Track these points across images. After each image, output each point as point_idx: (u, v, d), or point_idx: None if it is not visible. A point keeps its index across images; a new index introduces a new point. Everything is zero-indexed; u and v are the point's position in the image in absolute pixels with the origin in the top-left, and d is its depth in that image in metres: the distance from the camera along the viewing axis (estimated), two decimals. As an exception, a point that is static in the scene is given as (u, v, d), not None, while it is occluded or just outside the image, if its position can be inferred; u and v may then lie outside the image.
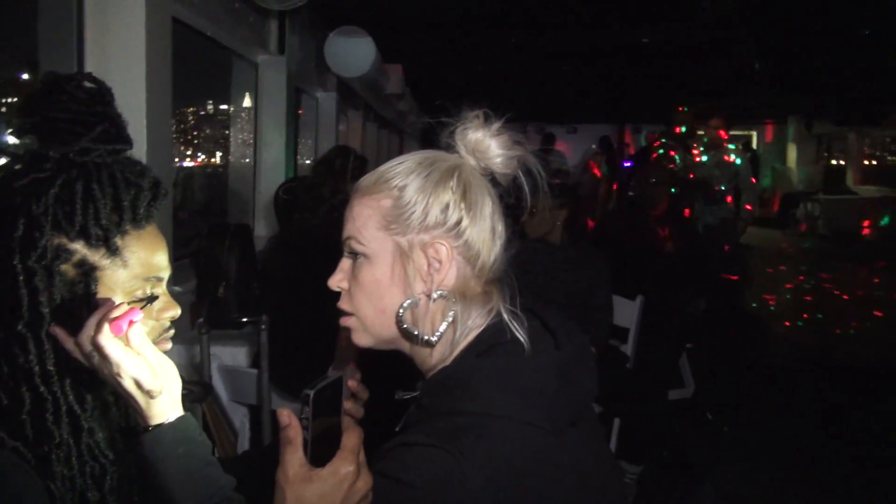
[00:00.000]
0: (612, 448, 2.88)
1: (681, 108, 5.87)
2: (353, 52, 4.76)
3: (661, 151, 5.41)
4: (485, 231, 0.93)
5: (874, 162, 13.72)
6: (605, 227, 3.92)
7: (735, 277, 5.28)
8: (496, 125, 0.95)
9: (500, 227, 0.96)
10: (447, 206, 0.91)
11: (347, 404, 1.04)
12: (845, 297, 7.22)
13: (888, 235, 10.07)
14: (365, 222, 0.94)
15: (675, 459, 3.12)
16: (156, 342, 0.88)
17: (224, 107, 4.33)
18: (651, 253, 3.48)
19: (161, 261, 0.92)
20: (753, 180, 5.79)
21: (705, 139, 5.45)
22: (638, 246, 3.47)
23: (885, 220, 10.28)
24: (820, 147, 14.49)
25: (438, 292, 0.92)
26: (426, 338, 0.93)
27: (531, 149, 0.98)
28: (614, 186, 8.90)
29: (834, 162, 14.37)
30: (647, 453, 2.98)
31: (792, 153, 14.69)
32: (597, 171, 9.20)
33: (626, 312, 3.03)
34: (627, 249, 3.42)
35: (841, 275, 8.36)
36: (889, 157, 13.51)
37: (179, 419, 0.81)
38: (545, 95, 10.09)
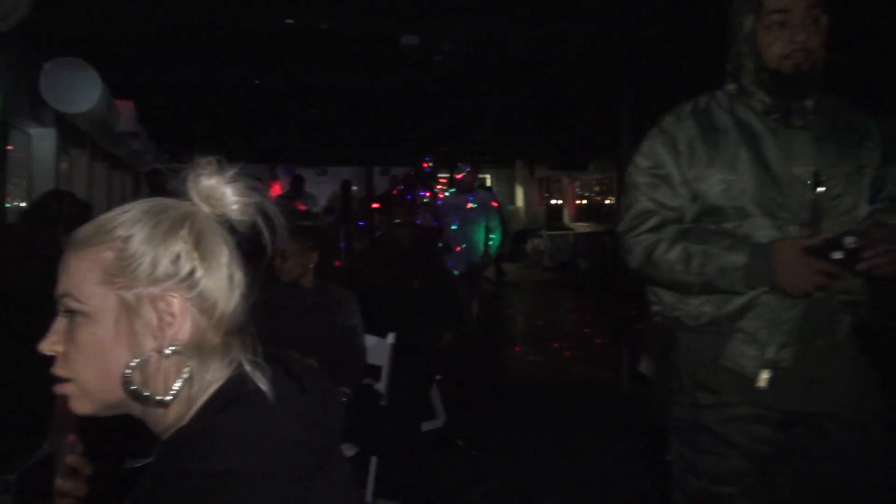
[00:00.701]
0: (371, 486, 2.91)
1: (438, 153, 6.29)
2: (76, 86, 4.32)
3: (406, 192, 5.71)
4: (221, 280, 0.90)
5: (584, 201, 15.96)
6: (353, 267, 4.00)
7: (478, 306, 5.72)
8: (231, 171, 0.93)
9: (238, 276, 0.93)
10: (178, 257, 0.87)
11: (65, 483, 0.92)
12: (570, 320, 8.21)
13: (598, 266, 11.71)
14: (83, 277, 0.86)
15: (430, 490, 3.25)
16: None
17: None
18: (399, 291, 3.63)
19: None
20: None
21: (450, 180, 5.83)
22: (386, 284, 3.60)
23: None
24: (541, 188, 16.48)
25: (171, 348, 0.87)
26: (159, 398, 0.87)
27: (267, 194, 0.98)
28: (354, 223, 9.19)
29: (553, 202, 16.43)
30: (404, 488, 3.06)
31: (519, 194, 16.48)
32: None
33: (379, 350, 3.11)
34: (377, 288, 3.53)
35: (564, 301, 9.51)
36: (595, 198, 15.80)
37: None
38: (294, 137, 10.08)
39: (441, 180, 9.21)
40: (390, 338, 3.12)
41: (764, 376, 1.59)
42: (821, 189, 1.60)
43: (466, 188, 5.75)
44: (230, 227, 0.94)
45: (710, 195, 1.64)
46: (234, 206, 0.92)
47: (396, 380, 3.16)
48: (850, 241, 1.44)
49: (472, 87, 6.19)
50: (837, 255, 1.45)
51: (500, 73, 5.59)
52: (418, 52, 4.51)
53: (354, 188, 10.89)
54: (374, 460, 2.93)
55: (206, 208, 0.91)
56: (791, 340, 1.59)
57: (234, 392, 0.89)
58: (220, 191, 0.91)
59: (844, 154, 1.65)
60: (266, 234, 0.94)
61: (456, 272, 5.58)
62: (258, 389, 0.89)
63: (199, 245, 0.89)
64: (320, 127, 9.05)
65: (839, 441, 1.61)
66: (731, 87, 1.70)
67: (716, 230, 1.65)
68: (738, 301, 1.62)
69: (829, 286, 1.53)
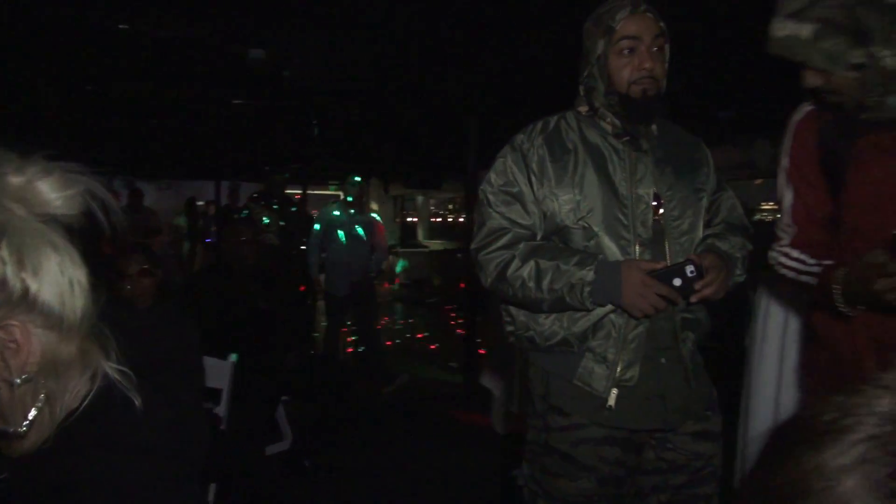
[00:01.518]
0: (209, 515, 2.79)
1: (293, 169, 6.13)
2: None
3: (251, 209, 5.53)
4: (61, 287, 0.80)
5: (438, 220, 16.35)
6: (193, 286, 3.83)
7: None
8: (39, 164, 0.82)
9: (78, 276, 0.83)
10: (4, 281, 0.77)
11: None
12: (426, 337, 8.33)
13: (452, 283, 12.00)
14: None
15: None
16: None
17: None
18: (242, 310, 3.51)
19: None
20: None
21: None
22: (228, 304, 3.47)
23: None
24: (396, 206, 16.65)
25: (22, 377, 0.79)
26: (12, 430, 0.80)
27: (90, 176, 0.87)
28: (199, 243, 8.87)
29: (409, 220, 16.66)
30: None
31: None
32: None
33: (219, 372, 2.99)
34: (217, 308, 3.40)
35: (417, 317, 9.66)
36: (449, 217, 16.24)
37: None
38: (133, 149, 9.46)
39: (296, 195, 9.05)
40: (231, 359, 3.02)
41: (613, 394, 1.64)
42: (662, 211, 1.68)
43: (357, 203, 5.52)
44: (56, 223, 0.82)
45: (559, 214, 1.67)
46: (58, 202, 0.81)
47: (239, 402, 3.05)
48: (689, 270, 1.56)
49: (322, 103, 6.16)
50: (677, 281, 1.55)
51: (350, 90, 5.60)
52: (266, 66, 4.42)
53: (200, 203, 10.44)
54: (212, 487, 2.81)
55: (20, 211, 0.80)
56: (637, 359, 1.65)
57: (101, 402, 0.85)
58: (34, 188, 0.80)
59: (683, 178, 1.74)
60: (101, 218, 0.85)
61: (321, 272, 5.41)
62: (126, 397, 0.85)
63: (24, 259, 0.78)
64: (163, 138, 8.56)
65: (684, 453, 1.70)
66: (583, 108, 1.75)
67: (566, 248, 1.67)
68: (587, 321, 1.65)
69: (668, 309, 1.62)
